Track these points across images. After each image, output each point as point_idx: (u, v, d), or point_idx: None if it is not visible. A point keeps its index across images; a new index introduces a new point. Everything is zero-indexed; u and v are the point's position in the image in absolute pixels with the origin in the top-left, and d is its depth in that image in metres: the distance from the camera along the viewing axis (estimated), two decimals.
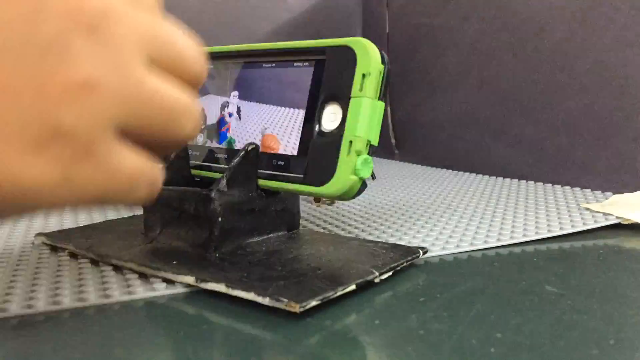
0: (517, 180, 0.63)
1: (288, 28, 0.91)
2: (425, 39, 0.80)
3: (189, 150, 0.40)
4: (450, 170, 0.74)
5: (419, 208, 0.50)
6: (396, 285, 0.31)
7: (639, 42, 0.52)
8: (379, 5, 0.91)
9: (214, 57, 0.40)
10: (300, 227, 0.40)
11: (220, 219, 0.32)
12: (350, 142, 0.31)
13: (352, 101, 0.31)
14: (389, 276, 0.31)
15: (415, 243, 0.38)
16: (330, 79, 0.33)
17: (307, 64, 0.35)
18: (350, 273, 0.29)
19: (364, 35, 0.97)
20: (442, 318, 0.26)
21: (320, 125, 0.33)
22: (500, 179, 0.65)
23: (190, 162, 0.39)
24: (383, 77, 0.31)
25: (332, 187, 0.31)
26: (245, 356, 0.23)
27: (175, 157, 0.38)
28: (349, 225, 0.44)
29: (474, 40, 0.71)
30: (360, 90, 0.31)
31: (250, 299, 0.27)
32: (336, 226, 0.43)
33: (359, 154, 0.31)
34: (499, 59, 0.67)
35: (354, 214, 0.48)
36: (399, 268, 0.32)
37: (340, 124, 0.32)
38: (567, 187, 0.57)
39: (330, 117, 0.32)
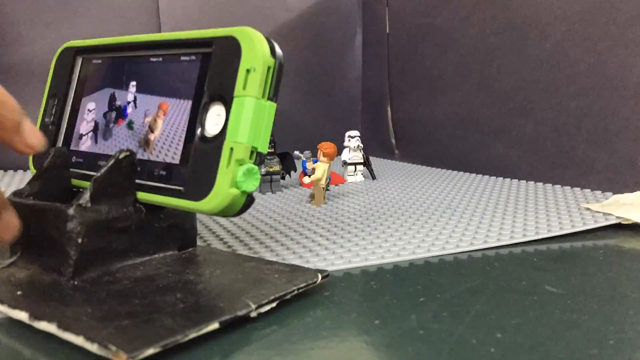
0: (517, 180, 0.63)
1: (288, 28, 0.91)
2: (425, 39, 0.80)
3: (72, 157, 0.35)
4: (450, 170, 0.74)
5: (418, 208, 0.50)
6: (390, 288, 0.31)
7: (639, 42, 0.52)
8: (379, 5, 0.91)
9: (109, 49, 0.35)
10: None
11: (80, 240, 0.27)
12: (231, 149, 0.27)
13: (234, 101, 0.27)
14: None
15: (415, 243, 0.38)
16: (215, 75, 0.29)
17: (194, 57, 0.30)
18: (220, 307, 0.25)
19: (364, 35, 0.98)
20: (442, 318, 0.26)
21: (203, 129, 0.28)
22: (500, 179, 0.65)
23: (73, 170, 0.33)
24: (273, 74, 0.27)
25: (210, 202, 0.27)
26: None
27: (50, 164, 0.32)
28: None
29: (474, 40, 0.71)
30: (244, 88, 0.27)
31: (79, 344, 0.22)
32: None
33: (240, 163, 0.27)
34: (499, 59, 0.67)
35: (353, 214, 0.48)
36: (288, 297, 0.27)
37: (223, 128, 0.27)
38: (567, 187, 0.57)
39: (214, 119, 0.28)
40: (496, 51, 0.67)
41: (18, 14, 0.73)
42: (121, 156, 0.29)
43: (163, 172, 0.30)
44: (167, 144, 0.30)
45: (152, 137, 0.32)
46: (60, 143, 0.36)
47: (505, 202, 0.51)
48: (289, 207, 0.51)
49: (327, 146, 0.52)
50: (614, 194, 0.52)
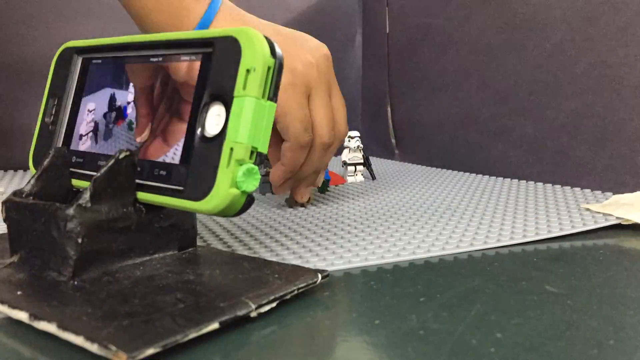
0: (517, 180, 0.63)
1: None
2: (425, 39, 0.80)
3: (72, 157, 0.35)
4: (450, 170, 0.74)
5: (419, 208, 0.50)
6: (385, 289, 0.31)
7: (639, 42, 0.52)
8: (379, 5, 0.91)
9: (109, 49, 0.35)
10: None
11: (80, 240, 0.27)
12: (231, 149, 0.27)
13: (234, 101, 0.27)
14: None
15: (415, 243, 0.38)
16: (215, 76, 0.29)
17: (194, 57, 0.31)
18: (220, 307, 0.25)
19: (364, 35, 0.98)
20: (442, 318, 0.26)
21: (203, 129, 0.28)
22: (500, 179, 0.65)
23: (73, 170, 0.34)
24: (273, 74, 0.28)
25: (210, 202, 0.27)
26: None
27: (50, 164, 0.32)
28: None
29: (474, 40, 0.71)
30: (244, 88, 0.27)
31: (79, 344, 0.22)
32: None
33: (240, 163, 0.27)
34: (499, 59, 0.67)
35: (353, 214, 0.48)
36: (287, 297, 0.27)
37: (223, 128, 0.27)
38: (567, 187, 0.57)
39: (215, 119, 0.28)
40: (496, 51, 0.67)
41: (18, 14, 0.73)
42: (121, 156, 0.29)
43: (163, 172, 0.30)
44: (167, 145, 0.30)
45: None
46: (60, 143, 0.36)
47: (505, 202, 0.51)
48: (291, 207, 0.51)
49: None
50: (614, 194, 0.52)
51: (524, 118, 0.63)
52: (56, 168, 0.32)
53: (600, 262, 0.35)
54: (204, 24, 0.41)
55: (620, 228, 0.43)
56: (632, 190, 0.51)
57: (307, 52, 0.43)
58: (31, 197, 0.31)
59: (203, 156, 0.28)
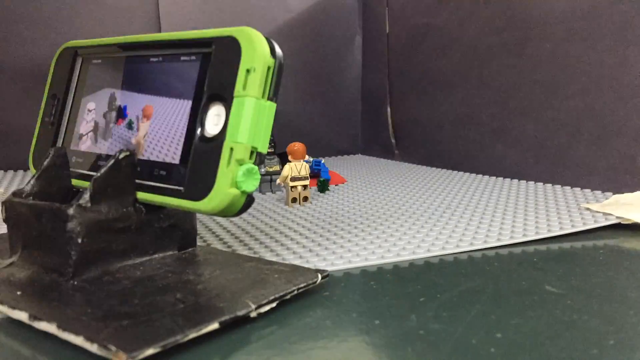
0: (517, 180, 0.63)
1: (288, 28, 0.91)
2: (425, 39, 0.80)
3: (73, 157, 0.35)
4: (450, 170, 0.74)
5: (418, 208, 0.50)
6: (388, 290, 0.31)
7: (639, 42, 0.52)
8: (379, 5, 0.91)
9: (109, 49, 0.35)
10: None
11: (80, 240, 0.28)
12: (231, 149, 0.27)
13: (234, 101, 0.27)
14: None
15: (415, 243, 0.38)
16: (215, 76, 0.29)
17: (193, 57, 0.30)
18: (220, 307, 0.25)
19: (364, 35, 0.98)
20: (442, 318, 0.26)
21: (203, 129, 0.28)
22: (500, 179, 0.65)
23: (73, 170, 0.34)
24: (273, 74, 0.27)
25: (210, 202, 0.27)
26: None
27: (50, 164, 0.32)
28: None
29: (474, 40, 0.71)
30: (244, 88, 0.27)
31: (79, 345, 0.22)
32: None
33: (240, 163, 0.27)
34: (499, 59, 0.67)
35: (353, 214, 0.48)
36: (287, 297, 0.27)
37: (222, 128, 0.27)
38: (567, 187, 0.57)
39: (214, 119, 0.28)
40: (496, 51, 0.67)
41: (18, 13, 0.73)
42: (121, 156, 0.30)
43: (163, 172, 0.30)
44: (166, 144, 0.31)
45: (136, 139, 0.32)
46: (60, 143, 0.36)
47: (505, 202, 0.51)
48: (289, 206, 0.51)
49: (291, 146, 0.52)
50: (614, 194, 0.52)
51: (524, 118, 0.63)
52: (56, 168, 0.32)
53: (600, 262, 0.35)
54: None
55: (620, 228, 0.43)
56: (632, 190, 0.51)
57: None
58: (31, 197, 0.31)
59: (203, 156, 0.28)
